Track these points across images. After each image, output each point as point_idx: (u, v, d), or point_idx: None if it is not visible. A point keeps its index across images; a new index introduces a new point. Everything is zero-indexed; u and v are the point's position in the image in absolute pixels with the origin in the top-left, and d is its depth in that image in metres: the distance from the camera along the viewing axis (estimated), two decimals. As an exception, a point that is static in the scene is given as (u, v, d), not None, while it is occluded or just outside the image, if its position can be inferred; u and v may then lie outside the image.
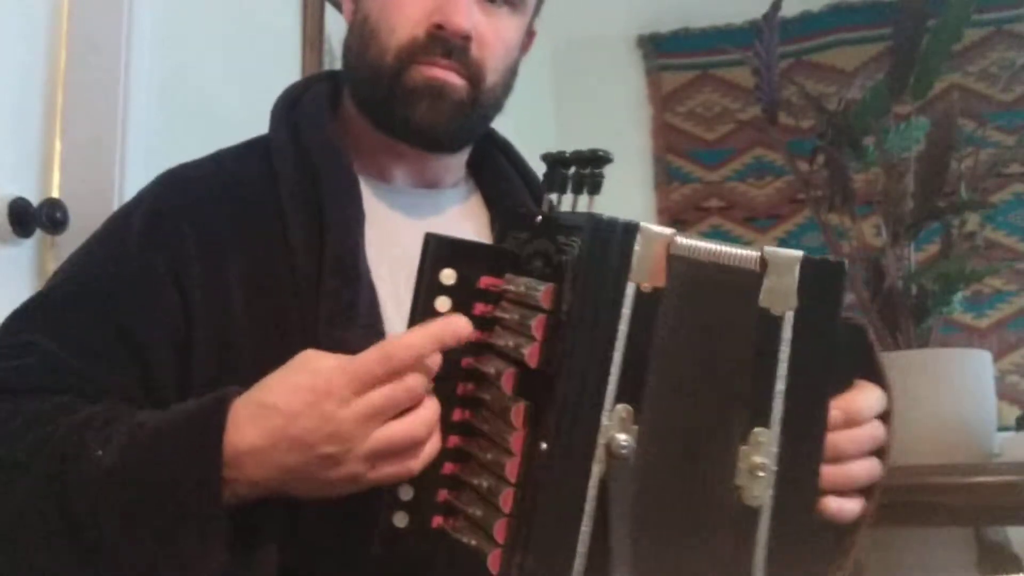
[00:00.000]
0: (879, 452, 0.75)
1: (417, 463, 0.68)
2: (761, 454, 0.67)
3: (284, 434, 0.67)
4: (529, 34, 1.00)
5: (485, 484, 0.68)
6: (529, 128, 2.43)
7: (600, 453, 0.64)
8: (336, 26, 1.94)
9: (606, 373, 0.65)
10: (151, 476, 0.68)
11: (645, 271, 0.65)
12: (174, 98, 1.48)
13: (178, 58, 1.50)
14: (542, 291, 0.66)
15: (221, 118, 1.55)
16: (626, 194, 2.90)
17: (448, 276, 0.70)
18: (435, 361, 0.68)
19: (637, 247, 0.65)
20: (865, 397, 0.73)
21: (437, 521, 0.70)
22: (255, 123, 0.98)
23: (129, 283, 0.84)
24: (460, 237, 0.72)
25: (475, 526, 0.68)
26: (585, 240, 0.65)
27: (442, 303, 0.70)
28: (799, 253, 0.67)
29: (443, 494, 0.70)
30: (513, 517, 0.65)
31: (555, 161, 0.75)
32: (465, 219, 0.98)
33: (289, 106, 0.96)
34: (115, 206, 1.28)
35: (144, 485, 0.68)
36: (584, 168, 0.72)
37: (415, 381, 0.67)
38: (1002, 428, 1.73)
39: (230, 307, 0.83)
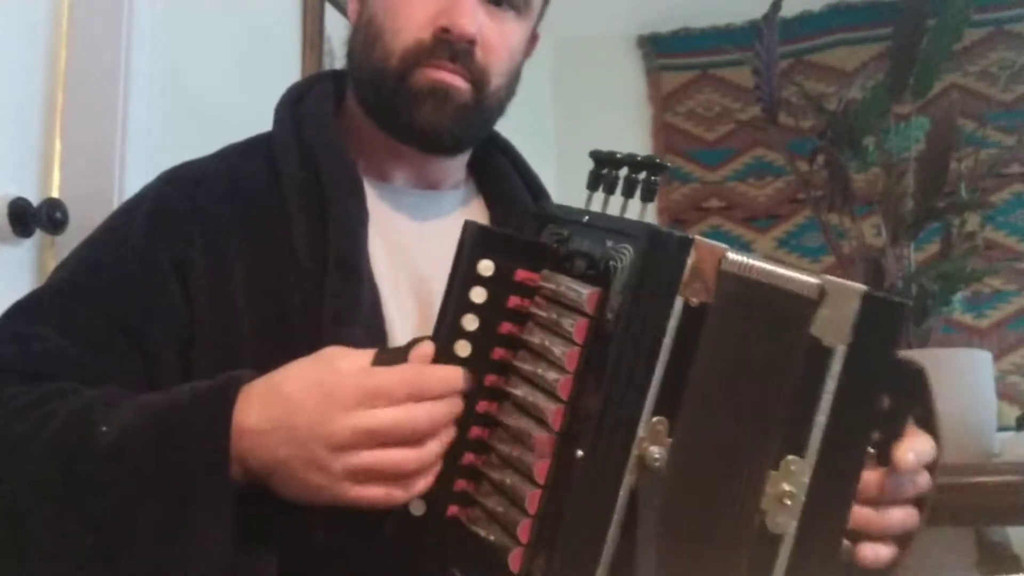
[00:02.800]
0: (919, 502, 0.73)
1: (405, 495, 0.67)
2: (791, 482, 0.65)
3: (283, 423, 0.67)
4: (533, 38, 1.00)
5: (508, 481, 0.67)
6: (529, 128, 2.42)
7: (633, 463, 0.64)
8: (336, 26, 1.94)
9: (647, 384, 0.64)
10: (157, 447, 0.68)
11: (694, 286, 0.65)
12: (174, 98, 1.48)
13: (178, 58, 1.50)
14: (587, 294, 0.65)
15: (221, 118, 1.55)
16: (626, 194, 2.89)
17: (486, 267, 0.69)
18: (453, 409, 0.68)
19: (689, 261, 0.65)
20: (915, 444, 0.71)
21: (452, 510, 0.70)
22: (255, 123, 0.98)
23: (132, 278, 0.84)
24: (498, 228, 0.71)
25: (493, 521, 0.68)
26: (641, 250, 0.64)
27: (478, 293, 0.69)
28: (861, 287, 0.66)
29: (460, 483, 0.70)
30: (538, 518, 0.65)
31: (604, 161, 0.74)
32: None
33: (292, 104, 0.96)
34: (115, 206, 1.28)
35: (151, 458, 0.68)
36: (637, 172, 0.71)
37: (424, 418, 0.66)
38: (1002, 428, 1.73)
39: (233, 304, 0.83)
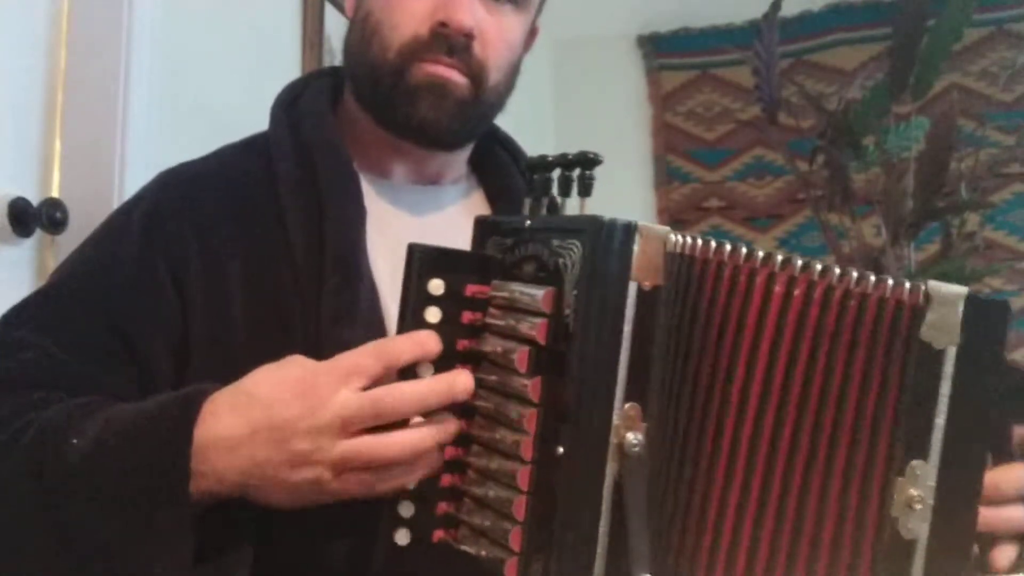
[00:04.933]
0: None
1: (384, 486, 0.67)
2: (918, 487, 0.66)
3: (263, 423, 0.66)
4: (531, 32, 0.99)
5: (492, 493, 0.67)
6: (529, 128, 2.42)
7: (612, 453, 0.64)
8: (336, 26, 1.94)
9: (615, 373, 0.64)
10: (122, 463, 0.68)
11: (644, 270, 0.66)
12: (174, 98, 1.48)
13: (178, 58, 1.50)
14: (542, 295, 0.66)
15: (221, 118, 1.55)
16: (626, 194, 2.90)
17: (436, 287, 0.69)
18: (426, 393, 0.67)
19: (636, 247, 0.65)
20: None
21: (438, 534, 0.70)
22: (255, 123, 0.98)
23: (127, 283, 0.83)
24: (443, 245, 0.71)
25: (482, 536, 0.68)
26: (588, 242, 0.65)
27: (432, 314, 0.69)
28: (964, 289, 0.67)
29: (443, 506, 0.70)
30: (528, 524, 0.65)
31: (535, 166, 0.74)
32: (466, 216, 0.97)
33: (289, 103, 0.96)
34: (115, 206, 1.28)
35: (115, 471, 0.68)
36: (571, 170, 0.72)
37: (388, 400, 0.66)
38: (1002, 428, 1.73)
39: (230, 307, 0.83)
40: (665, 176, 3.00)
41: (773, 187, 2.90)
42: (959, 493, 0.67)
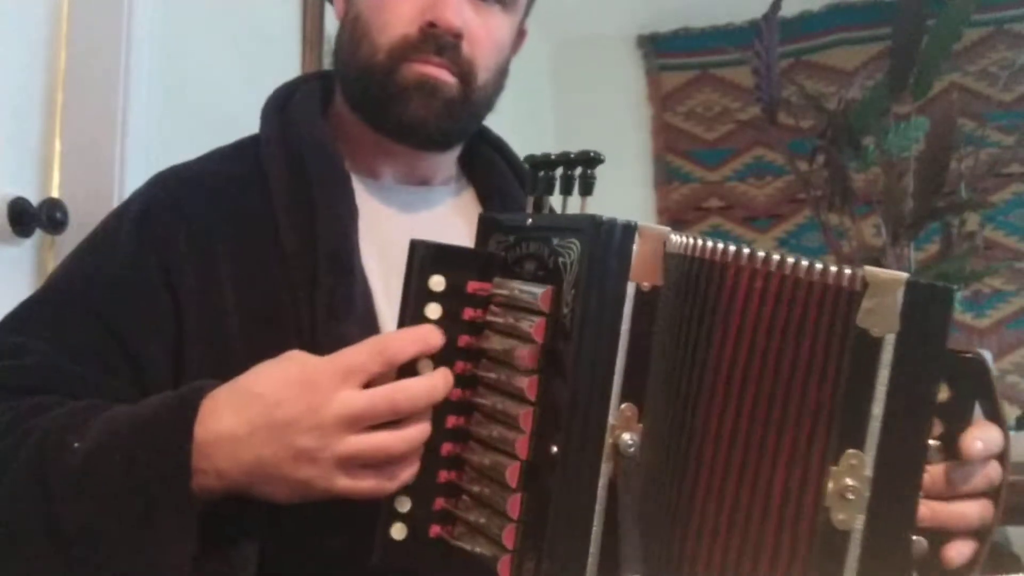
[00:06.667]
0: (994, 494, 0.71)
1: (392, 484, 0.67)
2: (853, 476, 0.64)
3: (264, 421, 0.66)
4: (520, 34, 1.00)
5: (487, 490, 0.68)
6: (528, 127, 2.42)
7: (608, 452, 0.64)
8: (336, 26, 1.94)
9: (611, 373, 0.64)
10: (123, 464, 0.68)
11: (643, 270, 0.66)
12: (174, 98, 1.48)
13: (178, 58, 1.50)
14: (540, 294, 0.66)
15: (221, 118, 1.54)
16: (626, 194, 2.90)
17: (437, 283, 0.70)
18: (435, 387, 0.68)
19: (635, 247, 0.65)
20: (982, 433, 0.68)
21: (435, 530, 0.70)
22: (255, 123, 0.98)
23: (121, 285, 0.84)
24: (446, 242, 0.72)
25: (478, 533, 0.68)
26: (586, 241, 0.65)
27: (433, 310, 0.69)
28: (903, 275, 0.65)
29: (440, 502, 0.70)
30: (522, 522, 0.65)
31: (539, 164, 0.74)
32: (457, 215, 0.98)
33: (279, 106, 0.96)
34: (115, 206, 1.28)
35: (117, 474, 0.68)
36: (573, 169, 0.72)
37: (401, 397, 0.66)
38: (1002, 428, 1.73)
39: (223, 306, 0.83)
40: (665, 176, 3.00)
41: (773, 187, 2.91)
42: (898, 485, 0.65)
